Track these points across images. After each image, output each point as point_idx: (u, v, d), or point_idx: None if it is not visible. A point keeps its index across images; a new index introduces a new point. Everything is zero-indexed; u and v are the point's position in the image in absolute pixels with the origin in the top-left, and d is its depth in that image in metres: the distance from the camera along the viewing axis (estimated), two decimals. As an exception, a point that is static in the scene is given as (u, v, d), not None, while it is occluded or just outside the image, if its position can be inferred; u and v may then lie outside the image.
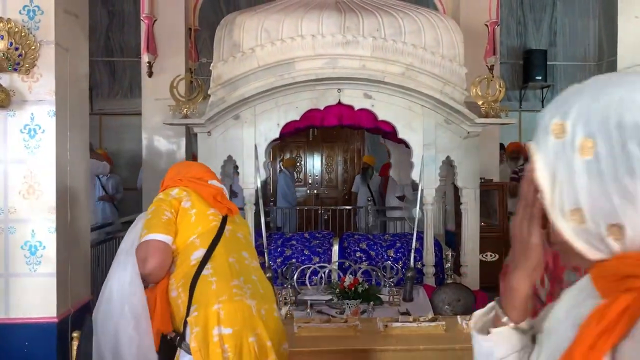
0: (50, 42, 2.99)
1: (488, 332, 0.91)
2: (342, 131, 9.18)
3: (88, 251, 3.62)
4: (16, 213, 2.97)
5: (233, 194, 6.20)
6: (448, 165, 4.29)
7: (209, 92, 3.98)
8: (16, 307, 2.94)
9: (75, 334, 2.49)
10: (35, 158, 2.99)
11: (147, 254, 2.01)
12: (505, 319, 0.89)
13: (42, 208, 2.97)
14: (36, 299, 2.95)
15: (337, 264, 4.22)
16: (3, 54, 2.83)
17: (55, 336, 2.92)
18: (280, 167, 9.47)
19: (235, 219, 2.21)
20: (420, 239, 4.16)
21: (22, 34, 2.90)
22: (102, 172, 6.85)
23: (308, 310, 3.73)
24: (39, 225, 2.97)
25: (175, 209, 2.15)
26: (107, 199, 7.07)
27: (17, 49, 2.87)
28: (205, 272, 2.00)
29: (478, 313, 0.99)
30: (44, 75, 2.98)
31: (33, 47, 2.93)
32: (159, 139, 6.21)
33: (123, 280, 1.98)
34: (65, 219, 3.12)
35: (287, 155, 9.86)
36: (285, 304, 3.74)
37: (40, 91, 2.98)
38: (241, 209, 5.07)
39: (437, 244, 4.30)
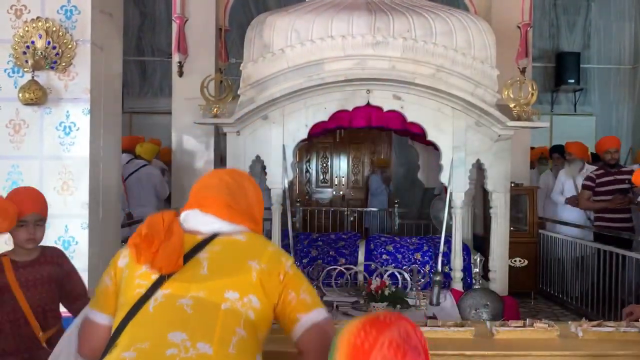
0: (86, 41, 3.06)
1: None
2: (369, 132, 9.15)
3: (119, 247, 3.68)
4: (51, 208, 3.02)
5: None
6: (477, 169, 4.23)
7: (238, 92, 4.01)
8: (49, 300, 3.00)
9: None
10: (70, 155, 3.06)
11: (79, 336, 1.60)
12: None
13: (76, 204, 3.04)
14: (68, 293, 3.01)
15: (363, 266, 4.21)
16: (41, 52, 2.90)
17: (85, 330, 2.97)
18: (372, 168, 9.70)
19: (198, 272, 1.43)
20: (448, 242, 4.11)
21: (60, 33, 2.97)
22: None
23: (333, 312, 3.72)
24: (72, 220, 3.04)
25: (114, 271, 1.54)
26: None
27: (54, 47, 2.94)
28: None
29: None
30: (79, 74, 3.05)
31: (70, 46, 3.00)
32: (188, 138, 6.30)
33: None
34: (97, 215, 3.18)
35: (314, 156, 9.88)
36: (311, 304, 3.74)
37: (75, 89, 3.05)
38: (268, 208, 5.10)
39: (465, 248, 4.24)
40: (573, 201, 5.83)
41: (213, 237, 1.50)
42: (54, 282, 2.40)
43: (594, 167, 5.79)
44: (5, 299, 2.30)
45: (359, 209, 8.32)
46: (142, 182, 5.97)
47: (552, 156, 6.90)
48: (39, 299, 2.35)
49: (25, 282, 2.33)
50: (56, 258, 2.43)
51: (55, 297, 2.42)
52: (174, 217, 1.51)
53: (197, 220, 1.54)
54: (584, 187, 5.55)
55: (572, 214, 5.96)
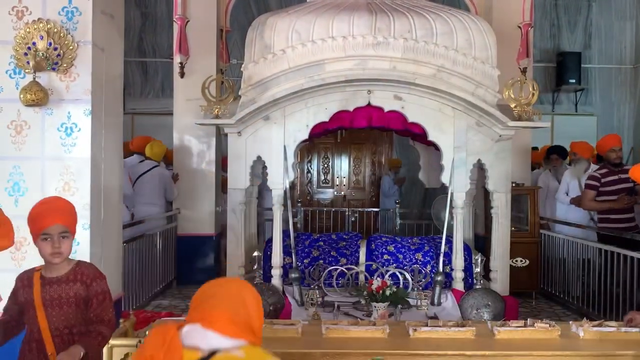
0: (88, 42, 3.06)
1: None
2: (370, 133, 9.16)
3: (120, 248, 3.69)
4: (52, 209, 3.04)
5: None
6: (478, 169, 4.23)
7: (239, 92, 4.02)
8: (51, 301, 3.01)
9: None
10: (71, 156, 3.06)
11: None
12: None
13: (77, 205, 3.02)
14: (70, 294, 3.01)
15: (364, 266, 4.21)
16: (42, 53, 2.91)
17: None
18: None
19: None
20: (449, 242, 4.11)
21: (61, 35, 2.98)
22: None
23: (335, 312, 3.73)
24: (74, 221, 3.03)
25: None
26: None
27: (55, 49, 2.95)
28: None
29: None
30: (80, 75, 3.06)
31: (71, 47, 3.01)
32: (189, 138, 6.31)
33: None
34: (98, 216, 3.19)
35: (315, 157, 9.88)
36: (312, 304, 3.75)
37: (77, 90, 3.06)
38: (269, 209, 5.12)
39: (466, 248, 4.24)
40: (577, 201, 5.79)
41: (212, 354, 1.54)
42: (81, 302, 2.22)
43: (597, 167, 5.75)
44: (31, 317, 2.18)
45: (359, 209, 8.32)
46: (154, 182, 6.01)
47: (550, 157, 6.88)
48: (65, 319, 2.19)
49: (50, 300, 2.18)
50: (85, 277, 2.24)
51: (83, 318, 2.23)
52: (175, 334, 1.57)
53: (197, 336, 1.59)
54: (588, 186, 5.35)
55: (576, 214, 5.92)
